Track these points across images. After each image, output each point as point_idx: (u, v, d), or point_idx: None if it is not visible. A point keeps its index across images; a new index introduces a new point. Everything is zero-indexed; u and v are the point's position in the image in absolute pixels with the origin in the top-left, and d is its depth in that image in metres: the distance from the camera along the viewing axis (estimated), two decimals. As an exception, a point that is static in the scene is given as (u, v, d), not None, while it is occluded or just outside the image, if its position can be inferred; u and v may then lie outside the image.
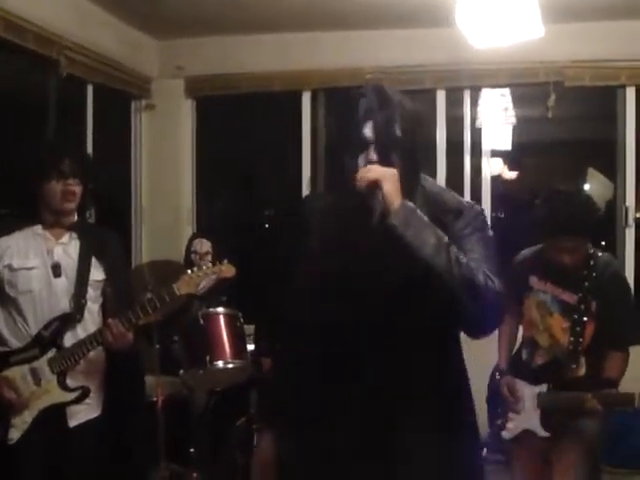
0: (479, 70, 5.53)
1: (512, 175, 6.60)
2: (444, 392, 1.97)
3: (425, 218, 1.85)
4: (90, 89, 5.39)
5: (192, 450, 4.36)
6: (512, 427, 3.32)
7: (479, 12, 3.82)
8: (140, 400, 3.56)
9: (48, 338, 2.99)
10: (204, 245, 4.94)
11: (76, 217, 3.20)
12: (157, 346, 4.20)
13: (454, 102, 5.82)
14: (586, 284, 3.14)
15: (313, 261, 2.03)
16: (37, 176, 3.04)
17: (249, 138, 6.28)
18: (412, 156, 1.95)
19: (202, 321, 4.31)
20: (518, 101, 5.75)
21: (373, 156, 1.88)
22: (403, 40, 5.58)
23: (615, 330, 3.16)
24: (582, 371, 3.17)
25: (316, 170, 6.03)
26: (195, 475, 4.34)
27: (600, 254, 3.22)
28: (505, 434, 3.35)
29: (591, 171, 6.37)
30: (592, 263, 3.16)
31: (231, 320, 4.39)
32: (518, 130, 5.88)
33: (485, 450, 3.30)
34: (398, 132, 1.91)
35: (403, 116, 1.94)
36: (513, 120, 5.77)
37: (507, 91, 5.74)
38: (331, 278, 1.95)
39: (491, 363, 3.54)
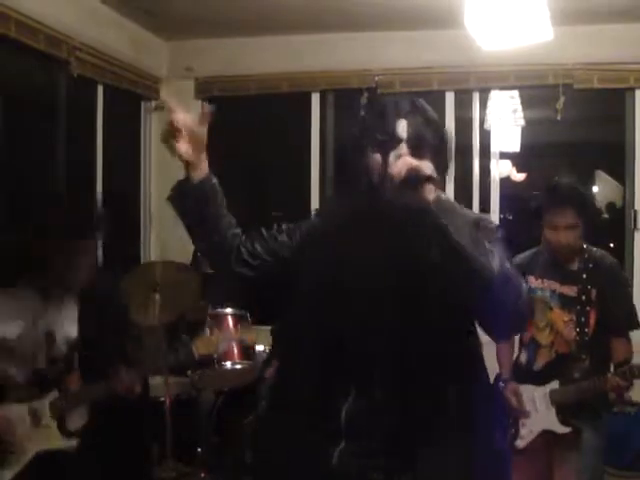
0: (488, 72, 5.53)
1: (520, 177, 6.59)
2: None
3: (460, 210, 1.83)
4: (100, 89, 5.41)
5: (199, 450, 4.38)
6: (526, 433, 3.29)
7: (488, 14, 3.82)
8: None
9: (50, 378, 2.84)
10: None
11: None
12: (165, 346, 4.22)
13: (463, 104, 5.82)
14: (584, 276, 3.22)
15: (331, 256, 1.98)
16: None
17: (258, 139, 6.30)
18: (442, 160, 1.94)
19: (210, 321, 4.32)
20: (527, 103, 5.74)
21: (405, 152, 1.83)
22: (412, 42, 5.59)
23: (617, 317, 3.24)
24: (588, 362, 3.20)
25: (325, 171, 6.04)
26: (203, 475, 4.35)
27: (594, 249, 3.31)
28: (519, 443, 3.30)
29: (599, 174, 6.36)
30: (587, 256, 3.26)
31: (239, 321, 4.40)
32: (527, 132, 5.88)
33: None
34: (431, 134, 1.91)
35: (434, 122, 1.96)
36: (522, 122, 5.75)
37: (516, 93, 5.73)
38: (350, 275, 1.92)
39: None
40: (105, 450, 2.97)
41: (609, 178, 6.17)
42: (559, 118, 5.49)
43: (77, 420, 2.90)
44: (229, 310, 4.43)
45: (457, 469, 1.87)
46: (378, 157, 1.86)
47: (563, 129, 5.90)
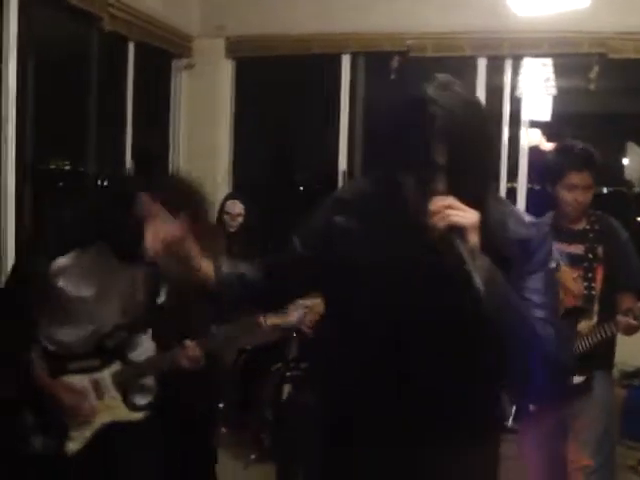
0: (521, 39, 5.46)
1: (550, 146, 6.53)
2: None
3: (504, 281, 1.56)
4: (132, 46, 5.43)
5: (221, 406, 4.44)
6: None
7: (524, -20, 3.78)
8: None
9: (112, 349, 2.70)
10: (237, 206, 4.94)
11: None
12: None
13: (495, 70, 5.76)
14: (590, 235, 3.34)
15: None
16: None
17: (288, 100, 6.29)
18: (485, 183, 1.68)
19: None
20: (560, 71, 5.67)
21: (440, 185, 1.50)
22: (445, 5, 5.52)
23: (624, 274, 3.33)
24: (596, 314, 3.28)
25: (353, 133, 6.03)
26: (224, 430, 4.43)
27: (599, 212, 3.42)
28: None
29: (631, 145, 6.28)
30: (593, 219, 3.37)
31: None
32: (558, 101, 5.81)
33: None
34: (474, 156, 1.57)
35: (481, 132, 1.62)
36: (554, 91, 5.69)
37: (549, 61, 5.66)
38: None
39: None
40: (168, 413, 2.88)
41: (640, 150, 6.10)
42: (592, 88, 5.42)
43: (143, 394, 2.78)
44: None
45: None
46: (410, 184, 1.59)
47: (596, 99, 5.81)
